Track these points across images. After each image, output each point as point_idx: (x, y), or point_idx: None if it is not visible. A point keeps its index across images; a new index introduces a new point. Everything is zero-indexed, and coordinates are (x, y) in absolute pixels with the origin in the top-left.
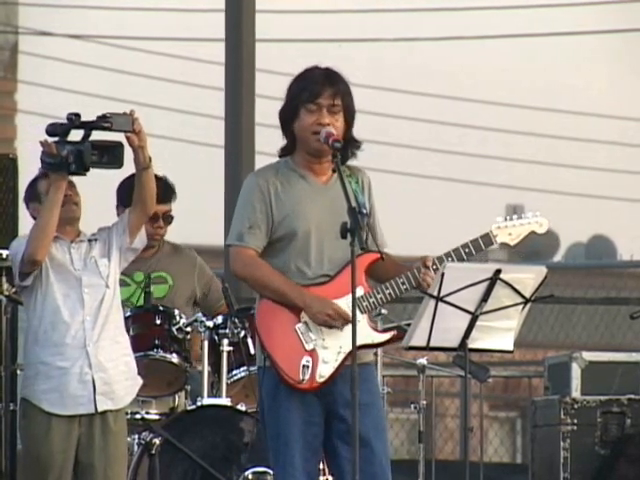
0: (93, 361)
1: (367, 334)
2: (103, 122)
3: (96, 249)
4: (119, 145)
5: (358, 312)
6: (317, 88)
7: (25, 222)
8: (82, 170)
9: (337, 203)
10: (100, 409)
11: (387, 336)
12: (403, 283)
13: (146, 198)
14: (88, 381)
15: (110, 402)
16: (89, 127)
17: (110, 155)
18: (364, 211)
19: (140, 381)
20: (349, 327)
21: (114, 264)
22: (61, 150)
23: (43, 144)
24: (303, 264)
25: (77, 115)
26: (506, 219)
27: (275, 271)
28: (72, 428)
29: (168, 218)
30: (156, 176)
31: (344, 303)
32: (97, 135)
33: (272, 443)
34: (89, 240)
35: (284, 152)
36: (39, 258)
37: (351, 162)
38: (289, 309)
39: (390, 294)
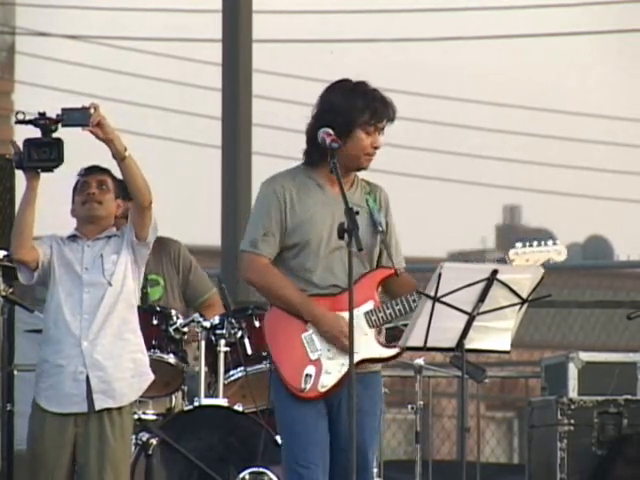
0: (88, 360)
1: (373, 348)
2: (39, 120)
3: (110, 246)
4: (57, 141)
5: (366, 326)
6: (382, 112)
7: None
8: (22, 167)
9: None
10: (98, 407)
11: (393, 352)
12: (414, 301)
13: (134, 189)
14: (82, 380)
15: (111, 400)
16: (34, 125)
17: (55, 152)
18: (380, 229)
19: (151, 377)
20: (356, 339)
21: (123, 260)
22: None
23: (11, 144)
24: (313, 273)
25: (22, 113)
26: (525, 245)
27: (288, 281)
28: (66, 426)
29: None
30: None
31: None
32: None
33: (285, 437)
34: (109, 237)
35: (307, 162)
36: (19, 257)
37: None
38: (297, 318)
39: (400, 310)
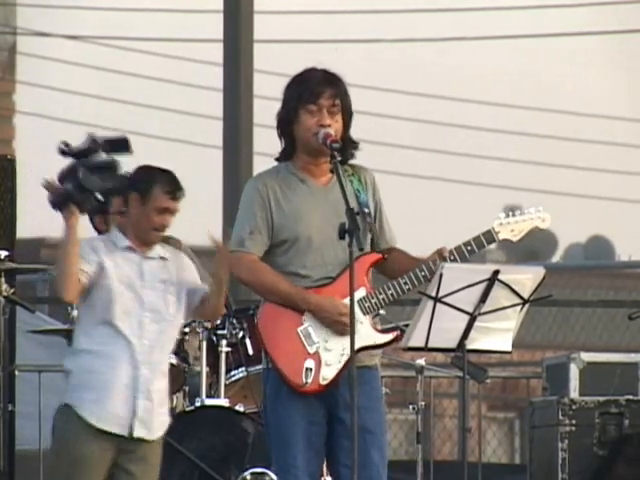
0: (142, 387)
1: (369, 335)
2: (89, 147)
3: (168, 272)
4: (115, 163)
5: (360, 313)
6: (317, 89)
7: (23, 223)
8: (61, 208)
9: (338, 205)
10: (136, 435)
11: (389, 337)
12: (405, 283)
13: (212, 307)
14: (131, 404)
15: (146, 431)
16: (77, 156)
17: (111, 172)
18: (366, 210)
19: (168, 420)
20: None
21: (177, 303)
22: (66, 184)
23: (45, 185)
24: (304, 267)
25: (66, 144)
26: (508, 215)
27: (279, 275)
28: (106, 444)
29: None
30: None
31: (346, 304)
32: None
33: (274, 443)
34: (161, 258)
35: (283, 157)
36: (70, 300)
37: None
38: (291, 312)
39: (392, 294)
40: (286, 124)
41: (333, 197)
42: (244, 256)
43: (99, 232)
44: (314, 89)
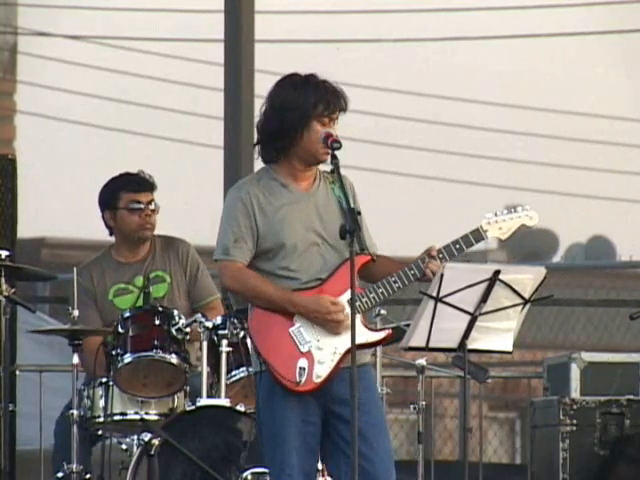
0: None
1: (361, 333)
2: None
3: None
4: None
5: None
6: (334, 102)
7: (23, 223)
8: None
9: (321, 209)
10: None
11: (381, 335)
12: (395, 282)
13: None
14: None
15: None
16: None
17: None
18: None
19: None
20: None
21: None
22: None
23: None
24: (292, 272)
25: None
26: (496, 214)
27: (265, 280)
28: None
29: (155, 207)
30: (130, 174)
31: (333, 300)
32: None
33: (268, 443)
34: None
35: (272, 158)
36: None
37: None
38: (281, 314)
39: (383, 293)
40: (293, 129)
41: (316, 201)
42: (230, 264)
43: (109, 228)
44: (331, 101)
